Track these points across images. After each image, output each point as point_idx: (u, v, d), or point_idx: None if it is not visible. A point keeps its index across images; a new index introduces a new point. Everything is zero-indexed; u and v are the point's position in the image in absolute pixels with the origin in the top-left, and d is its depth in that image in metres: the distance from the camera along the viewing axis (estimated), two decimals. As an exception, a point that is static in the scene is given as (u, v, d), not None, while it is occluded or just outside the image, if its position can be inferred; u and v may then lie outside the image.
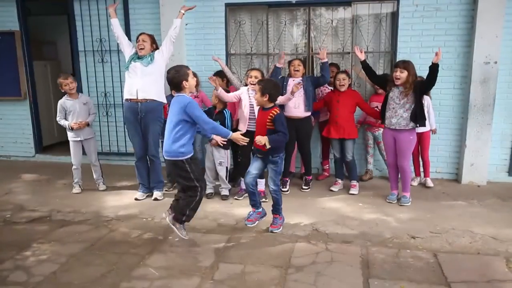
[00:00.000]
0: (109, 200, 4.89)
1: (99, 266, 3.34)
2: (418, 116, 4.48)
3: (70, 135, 5.07)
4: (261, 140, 3.64)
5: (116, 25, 4.83)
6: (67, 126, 5.00)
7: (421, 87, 4.46)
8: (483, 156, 5.37)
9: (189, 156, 3.63)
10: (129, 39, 4.68)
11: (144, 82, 4.65)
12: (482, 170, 5.40)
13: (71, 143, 5.11)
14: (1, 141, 6.87)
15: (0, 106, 6.74)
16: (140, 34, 4.80)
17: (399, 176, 4.79)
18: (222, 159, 4.90)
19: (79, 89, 6.33)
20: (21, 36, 6.41)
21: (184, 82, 3.58)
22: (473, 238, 3.81)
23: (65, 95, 5.06)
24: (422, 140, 5.21)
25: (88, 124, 5.07)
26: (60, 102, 5.06)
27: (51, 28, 8.22)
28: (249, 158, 4.99)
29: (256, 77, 4.72)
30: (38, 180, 5.45)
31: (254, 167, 3.97)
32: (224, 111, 4.89)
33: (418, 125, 4.52)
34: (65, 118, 5.03)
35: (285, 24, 5.80)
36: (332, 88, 5.34)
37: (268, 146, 3.67)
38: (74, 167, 5.13)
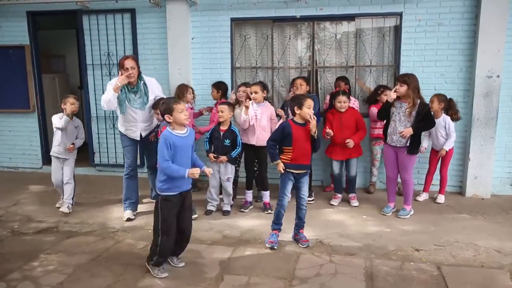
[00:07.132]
0: (115, 212, 4.94)
1: (106, 277, 3.38)
2: (414, 143, 4.51)
3: (55, 151, 4.88)
4: None
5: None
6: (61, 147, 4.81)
7: (423, 120, 4.46)
8: (487, 169, 5.38)
9: None
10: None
11: (146, 123, 4.65)
12: (486, 183, 5.40)
13: (53, 159, 4.92)
14: (10, 152, 6.96)
15: (9, 118, 6.85)
16: (125, 58, 4.40)
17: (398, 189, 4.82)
18: (230, 175, 4.81)
19: (87, 102, 6.50)
20: (31, 50, 6.54)
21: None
22: (477, 251, 3.82)
23: (61, 113, 4.83)
24: (444, 156, 5.18)
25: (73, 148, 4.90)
26: (58, 115, 4.84)
27: (60, 42, 8.38)
28: (253, 172, 5.05)
29: (256, 92, 4.78)
30: (45, 191, 5.51)
31: None
32: (233, 128, 4.79)
33: (406, 152, 4.53)
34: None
35: (289, 38, 5.89)
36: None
37: None
38: (55, 185, 4.95)
